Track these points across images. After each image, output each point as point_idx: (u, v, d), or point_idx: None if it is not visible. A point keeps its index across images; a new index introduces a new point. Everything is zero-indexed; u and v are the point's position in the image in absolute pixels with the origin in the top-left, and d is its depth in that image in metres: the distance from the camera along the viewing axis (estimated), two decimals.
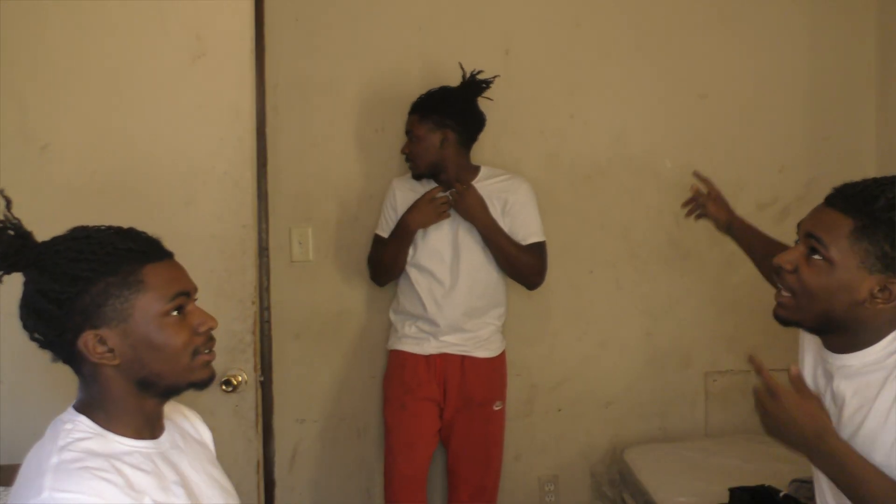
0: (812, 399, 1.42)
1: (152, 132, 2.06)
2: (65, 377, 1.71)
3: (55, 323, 1.21)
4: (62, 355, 1.25)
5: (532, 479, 3.05)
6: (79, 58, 2.03)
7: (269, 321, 2.61)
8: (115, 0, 2.03)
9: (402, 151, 2.64)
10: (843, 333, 1.42)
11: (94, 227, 1.26)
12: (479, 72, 2.63)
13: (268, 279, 2.57)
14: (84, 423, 1.23)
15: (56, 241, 1.24)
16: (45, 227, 1.31)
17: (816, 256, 1.38)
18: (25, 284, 1.23)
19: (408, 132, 2.64)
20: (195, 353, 1.27)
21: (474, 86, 2.64)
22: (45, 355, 2.01)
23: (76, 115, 2.04)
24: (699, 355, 3.10)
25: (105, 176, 2.03)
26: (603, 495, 3.08)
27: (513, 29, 2.94)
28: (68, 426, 1.23)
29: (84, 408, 1.26)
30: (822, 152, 3.10)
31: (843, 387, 1.42)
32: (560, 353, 3.04)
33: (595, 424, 3.08)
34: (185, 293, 1.27)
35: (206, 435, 1.48)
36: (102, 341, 1.21)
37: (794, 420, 1.38)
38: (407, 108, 2.64)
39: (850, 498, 1.36)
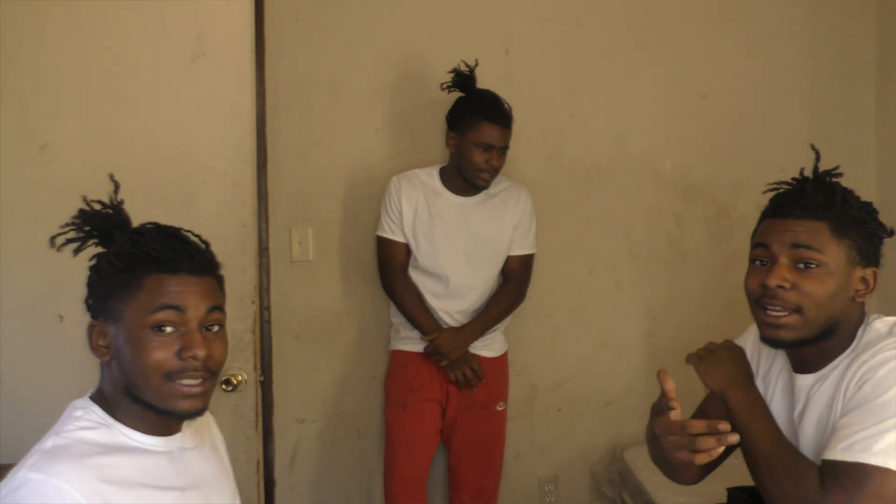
0: (738, 349, 1.65)
1: (152, 132, 2.07)
2: (64, 378, 1.71)
3: (92, 302, 1.26)
4: None
5: (532, 479, 3.05)
6: (79, 58, 2.03)
7: (269, 321, 2.61)
8: (116, 0, 2.03)
9: (489, 163, 2.54)
10: (829, 340, 1.44)
11: (153, 225, 1.27)
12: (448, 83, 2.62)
13: (268, 279, 2.57)
14: (95, 412, 1.23)
15: (131, 230, 1.28)
16: (45, 226, 1.32)
17: (812, 266, 1.40)
18: None
19: (501, 148, 2.56)
20: (168, 376, 1.19)
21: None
22: (45, 355, 2.02)
23: (76, 115, 2.04)
24: None
25: (105, 175, 2.02)
26: (603, 495, 3.08)
27: (513, 29, 2.94)
28: (79, 413, 1.23)
29: (99, 397, 1.26)
30: (822, 152, 3.08)
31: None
32: (560, 353, 3.04)
33: (595, 424, 3.08)
34: (176, 307, 1.20)
35: (218, 438, 1.48)
36: (104, 334, 1.23)
37: (724, 361, 1.64)
38: (407, 107, 2.61)
39: (742, 448, 1.46)
